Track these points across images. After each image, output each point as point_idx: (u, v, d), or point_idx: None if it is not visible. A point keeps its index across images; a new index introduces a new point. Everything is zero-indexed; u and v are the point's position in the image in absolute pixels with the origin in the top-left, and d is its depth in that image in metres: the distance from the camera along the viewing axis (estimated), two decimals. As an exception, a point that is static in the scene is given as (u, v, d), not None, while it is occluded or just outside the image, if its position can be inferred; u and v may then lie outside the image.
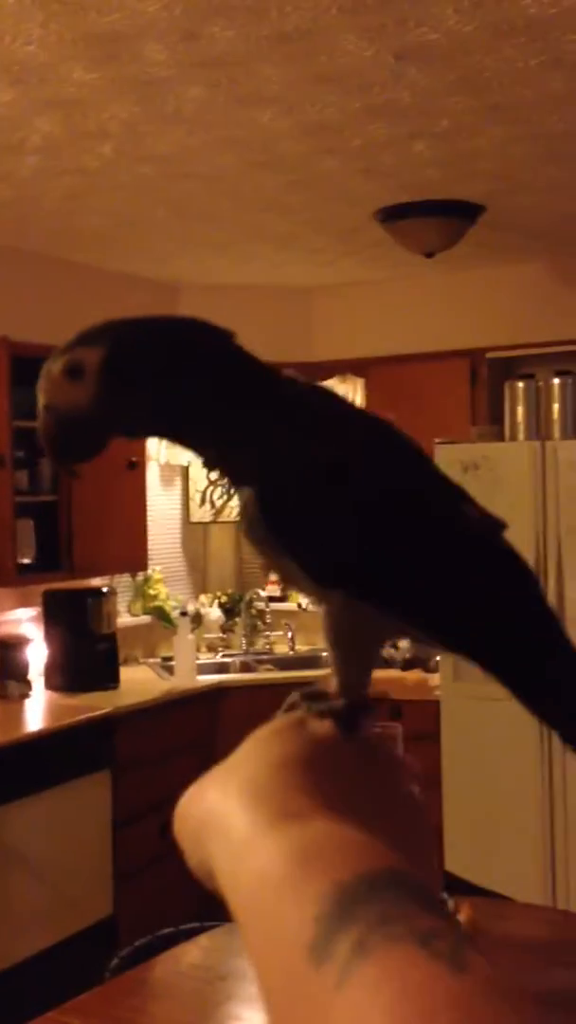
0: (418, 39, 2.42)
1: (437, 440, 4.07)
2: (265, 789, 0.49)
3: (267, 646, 5.18)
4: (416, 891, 0.40)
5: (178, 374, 0.60)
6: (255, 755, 0.53)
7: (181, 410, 0.61)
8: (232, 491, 0.63)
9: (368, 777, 0.54)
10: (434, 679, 4.22)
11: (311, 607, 5.13)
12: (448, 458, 4.00)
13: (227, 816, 0.48)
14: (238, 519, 0.62)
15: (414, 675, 4.46)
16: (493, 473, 3.95)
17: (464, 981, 0.34)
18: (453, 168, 3.36)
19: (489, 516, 0.62)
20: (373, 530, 0.59)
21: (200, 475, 5.31)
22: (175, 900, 4.06)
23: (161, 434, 0.64)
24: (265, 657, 5.05)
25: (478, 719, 3.99)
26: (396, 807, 0.53)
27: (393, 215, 3.77)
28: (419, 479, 0.62)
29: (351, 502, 0.58)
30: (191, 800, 0.53)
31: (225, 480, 0.63)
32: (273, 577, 5.40)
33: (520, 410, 4.19)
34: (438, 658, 4.25)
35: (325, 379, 4.81)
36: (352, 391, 4.96)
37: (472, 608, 0.60)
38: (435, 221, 3.75)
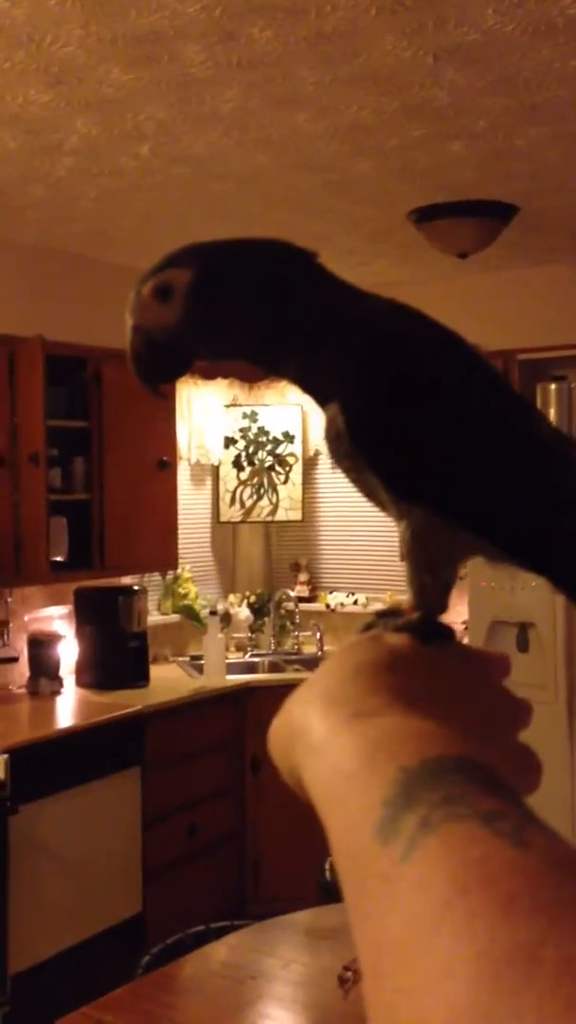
0: (457, 39, 2.41)
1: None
2: (341, 693, 0.50)
3: (295, 646, 5.18)
4: (484, 775, 0.40)
5: (265, 293, 0.61)
6: (333, 666, 0.53)
7: (267, 329, 0.62)
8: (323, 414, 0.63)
9: (447, 677, 0.54)
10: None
11: (344, 607, 5.13)
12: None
13: (307, 723, 0.49)
14: (325, 435, 0.62)
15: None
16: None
17: (527, 855, 0.35)
18: (488, 169, 3.35)
19: (561, 432, 0.62)
20: (454, 443, 0.59)
21: (230, 475, 5.32)
22: (203, 899, 4.08)
23: (245, 354, 0.64)
24: (293, 657, 5.05)
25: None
26: (479, 703, 0.53)
27: (427, 216, 3.76)
28: (498, 394, 0.62)
29: (433, 415, 0.59)
30: (279, 720, 0.54)
31: (311, 397, 0.63)
32: (302, 578, 5.40)
33: (552, 412, 4.17)
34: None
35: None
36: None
37: (550, 524, 0.60)
38: (469, 221, 3.74)
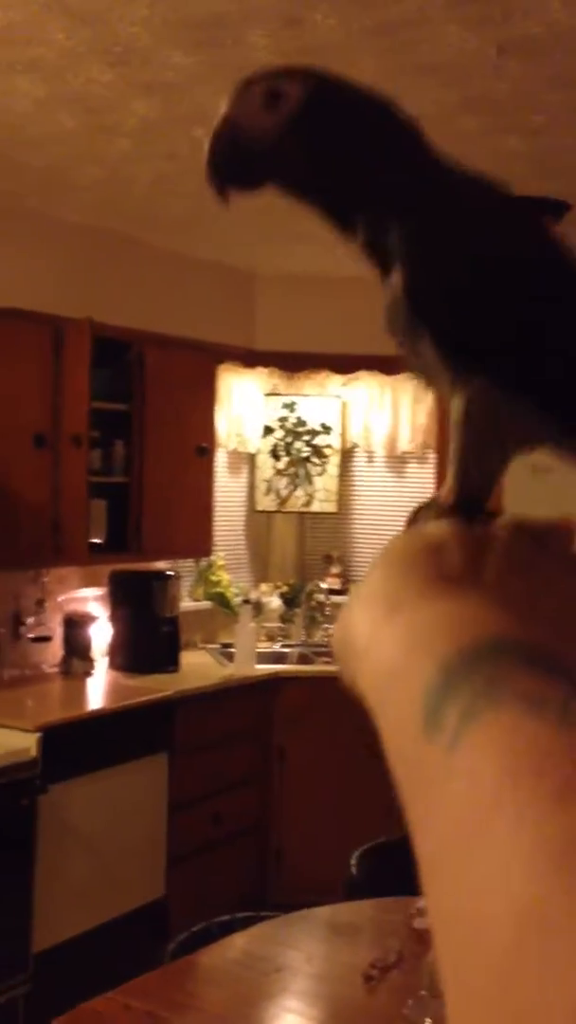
0: (522, 32, 2.38)
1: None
2: (378, 588, 0.48)
3: (325, 639, 5.17)
4: (526, 653, 0.39)
5: (365, 142, 0.59)
6: (376, 567, 0.51)
7: (355, 177, 0.59)
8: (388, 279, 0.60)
9: (494, 554, 0.51)
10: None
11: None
12: (518, 460, 3.94)
13: (354, 627, 0.48)
14: (385, 307, 0.59)
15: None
16: (566, 477, 3.88)
17: (573, 735, 0.34)
18: (543, 164, 3.30)
19: None
20: (518, 310, 0.56)
21: (267, 464, 5.31)
22: (225, 886, 4.08)
23: (322, 195, 0.61)
24: (323, 649, 5.04)
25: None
26: (533, 576, 0.51)
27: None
28: (568, 267, 0.59)
29: (499, 281, 0.56)
30: (335, 637, 0.52)
31: (373, 264, 0.60)
32: (335, 570, 5.39)
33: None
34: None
35: (399, 374, 4.78)
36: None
37: None
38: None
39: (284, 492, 5.34)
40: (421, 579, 0.48)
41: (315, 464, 5.33)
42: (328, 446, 5.30)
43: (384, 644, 0.44)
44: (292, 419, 5.28)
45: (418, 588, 0.47)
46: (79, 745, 3.52)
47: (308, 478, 5.34)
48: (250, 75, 0.60)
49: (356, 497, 5.45)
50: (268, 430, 5.26)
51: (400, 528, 0.58)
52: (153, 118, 2.94)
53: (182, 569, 4.71)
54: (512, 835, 0.32)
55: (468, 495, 0.57)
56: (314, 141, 0.59)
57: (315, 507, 5.36)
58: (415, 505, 0.60)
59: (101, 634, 4.28)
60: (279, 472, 5.33)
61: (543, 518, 0.55)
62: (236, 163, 0.61)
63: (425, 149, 0.60)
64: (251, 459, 5.30)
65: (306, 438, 5.31)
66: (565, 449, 0.59)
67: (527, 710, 0.35)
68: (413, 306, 0.56)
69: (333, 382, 5.23)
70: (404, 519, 0.58)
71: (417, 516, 0.58)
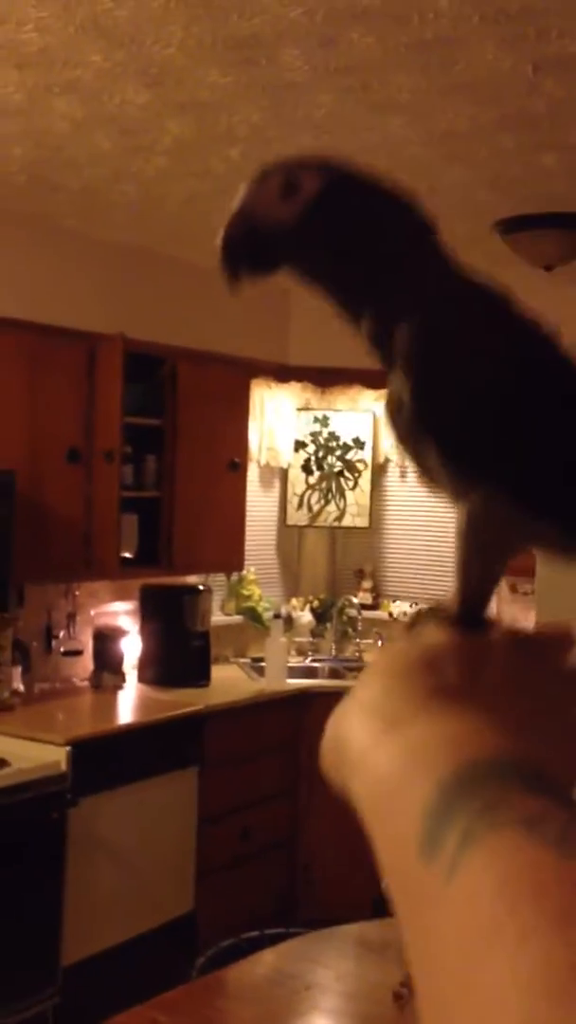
0: (558, 50, 2.38)
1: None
2: (377, 701, 0.49)
3: (356, 654, 5.16)
4: (525, 774, 0.39)
5: (379, 236, 0.60)
6: (371, 674, 0.52)
7: (364, 266, 0.60)
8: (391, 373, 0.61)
9: (492, 667, 0.52)
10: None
11: (407, 617, 5.07)
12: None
13: (349, 734, 0.48)
14: (387, 405, 0.60)
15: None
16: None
17: (573, 860, 0.34)
18: (580, 181, 3.30)
19: None
20: (526, 417, 0.57)
21: (299, 479, 5.31)
22: (254, 901, 4.07)
23: (333, 285, 0.62)
24: (354, 664, 5.03)
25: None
26: (530, 690, 0.51)
27: (513, 226, 3.72)
28: (573, 375, 0.60)
29: (506, 387, 0.57)
30: (327, 734, 0.52)
31: (378, 358, 0.61)
32: (366, 585, 5.38)
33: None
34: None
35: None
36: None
37: None
38: (556, 233, 3.69)
39: (316, 507, 5.34)
40: (419, 692, 0.48)
41: (347, 479, 5.34)
42: (360, 461, 5.30)
43: (381, 759, 0.44)
44: (324, 434, 5.29)
45: (416, 702, 0.47)
46: (109, 759, 3.54)
47: (340, 493, 5.34)
48: (267, 165, 0.61)
49: (388, 512, 5.44)
50: (300, 444, 5.27)
51: (412, 619, 0.59)
52: (188, 137, 2.97)
53: (213, 583, 4.72)
54: (511, 963, 0.32)
55: (471, 603, 0.57)
56: (328, 232, 0.60)
57: (347, 522, 5.35)
58: (416, 610, 0.61)
59: (132, 648, 4.30)
60: (311, 487, 5.34)
61: (542, 626, 0.57)
62: (250, 249, 0.62)
63: (438, 249, 0.61)
64: (283, 473, 5.31)
65: (338, 453, 5.32)
66: (566, 552, 0.60)
67: (526, 834, 0.35)
68: (419, 414, 0.57)
69: (365, 397, 5.23)
70: (405, 624, 0.58)
71: (418, 621, 0.58)
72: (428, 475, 0.60)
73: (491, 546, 0.58)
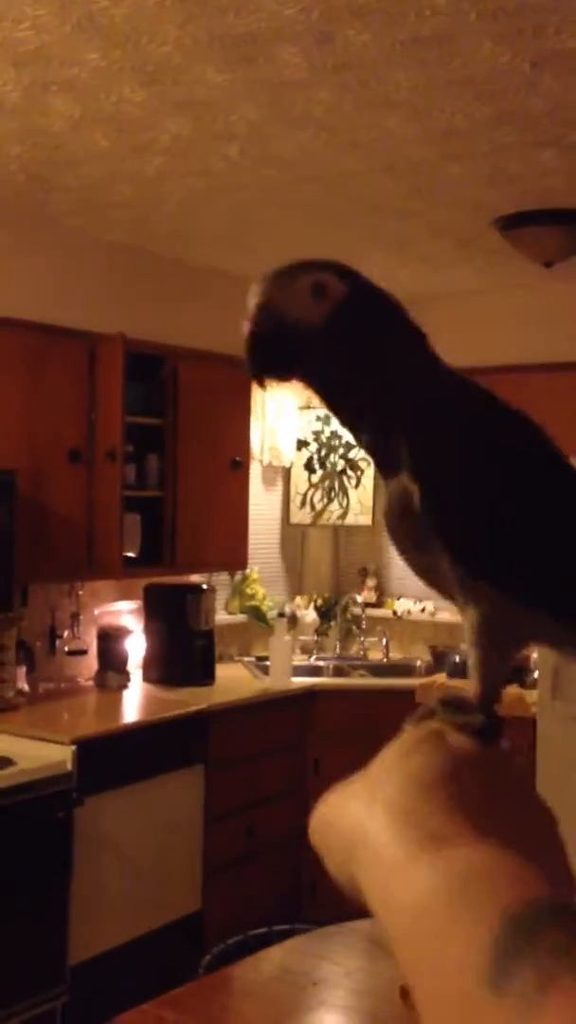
0: (556, 46, 2.38)
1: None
2: (412, 810, 0.49)
3: (361, 652, 5.16)
4: (572, 911, 0.41)
5: (390, 336, 0.62)
6: (398, 770, 0.52)
7: (377, 368, 0.62)
8: (384, 477, 0.63)
9: (506, 792, 0.53)
10: (532, 695, 4.15)
11: (411, 614, 5.10)
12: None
13: (375, 836, 0.49)
14: (386, 511, 0.62)
15: (512, 690, 4.39)
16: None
17: None
18: (579, 177, 3.30)
19: None
20: (539, 520, 0.58)
21: (301, 477, 5.31)
22: (261, 900, 4.08)
23: (336, 388, 0.64)
24: (358, 663, 5.03)
25: (575, 739, 3.91)
26: (533, 822, 0.53)
27: (513, 223, 3.72)
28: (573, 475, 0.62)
29: (517, 492, 0.59)
30: (332, 810, 0.53)
31: (376, 463, 0.63)
32: (370, 583, 5.38)
33: None
34: (536, 675, 4.18)
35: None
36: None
37: None
38: (556, 229, 3.69)
39: (319, 505, 5.34)
40: (455, 811, 0.49)
41: (350, 477, 5.34)
42: (363, 459, 5.30)
43: (428, 878, 0.45)
44: (327, 432, 5.29)
45: (456, 823, 0.48)
46: (114, 758, 3.54)
47: (343, 491, 5.35)
48: (288, 267, 0.62)
49: (390, 510, 5.43)
50: (303, 443, 5.27)
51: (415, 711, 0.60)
52: (185, 136, 2.97)
53: (217, 582, 4.72)
54: None
55: (490, 706, 0.59)
56: (352, 333, 0.62)
57: (350, 520, 5.35)
58: (422, 704, 0.61)
59: (136, 647, 4.30)
60: (314, 485, 5.34)
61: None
62: (276, 351, 0.62)
63: (433, 353, 0.64)
64: (285, 472, 5.31)
65: (341, 451, 5.32)
66: (572, 652, 0.62)
67: None
68: (433, 524, 0.58)
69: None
70: (418, 714, 0.59)
71: (436, 711, 0.58)
72: (433, 579, 0.61)
73: (507, 646, 0.60)
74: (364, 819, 0.50)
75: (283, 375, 0.64)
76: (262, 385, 0.65)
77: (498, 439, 0.61)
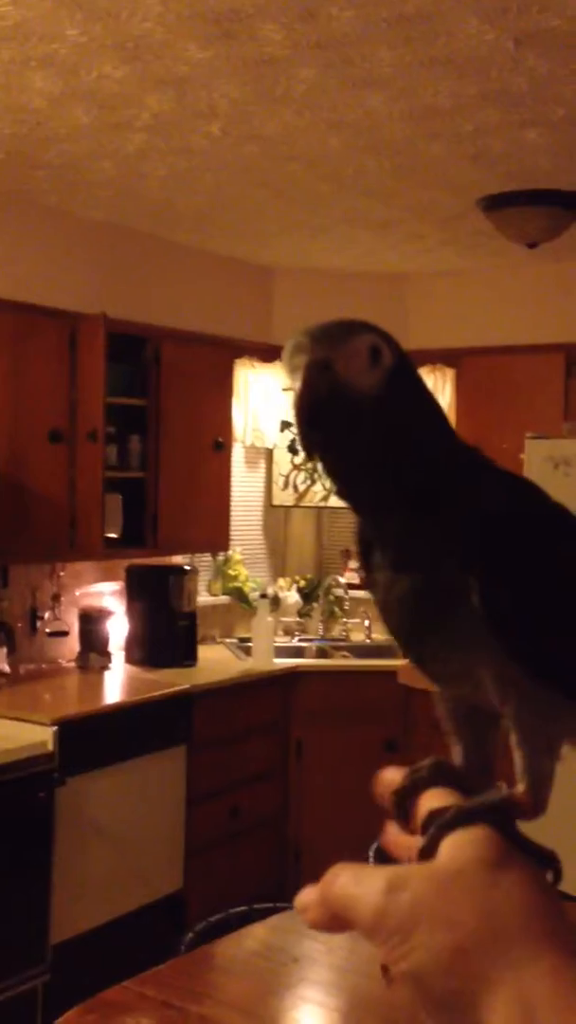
0: (540, 24, 2.37)
1: (528, 434, 4.01)
2: (441, 911, 0.47)
3: (343, 633, 5.17)
4: None
5: (429, 419, 0.59)
6: (474, 897, 0.48)
7: (417, 453, 0.58)
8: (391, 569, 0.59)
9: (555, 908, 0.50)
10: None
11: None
12: (539, 453, 3.94)
13: (485, 981, 0.46)
14: (399, 608, 0.57)
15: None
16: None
17: None
18: (563, 158, 3.29)
19: None
20: None
21: (284, 459, 5.31)
22: (243, 879, 4.09)
23: (368, 466, 0.58)
24: (341, 644, 5.05)
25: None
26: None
27: (497, 203, 3.71)
28: None
29: (571, 589, 0.56)
30: (345, 887, 0.50)
31: (397, 555, 0.58)
32: (352, 564, 5.38)
33: (616, 407, 4.11)
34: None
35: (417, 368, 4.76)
36: (442, 382, 4.91)
37: None
38: (539, 211, 3.68)
39: (302, 487, 5.34)
40: (515, 933, 0.46)
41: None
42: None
43: (499, 1003, 0.44)
44: (309, 414, 5.27)
45: (517, 944, 0.46)
46: (96, 738, 3.54)
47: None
48: (339, 323, 0.57)
49: (373, 491, 5.43)
50: (285, 425, 5.26)
51: None
52: (167, 113, 2.94)
53: (199, 564, 4.72)
54: None
55: (542, 802, 0.56)
56: (403, 406, 0.58)
57: (333, 502, 5.35)
58: (410, 775, 0.57)
59: (118, 629, 4.29)
60: (297, 467, 5.33)
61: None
62: (332, 417, 0.56)
63: (468, 451, 0.60)
64: (268, 454, 5.30)
65: (323, 433, 5.31)
66: None
67: None
68: (494, 621, 0.55)
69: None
70: (463, 812, 0.53)
71: (483, 807, 0.53)
72: (456, 680, 0.58)
73: (555, 741, 0.57)
74: (476, 965, 0.46)
75: (337, 444, 0.57)
76: (311, 457, 0.58)
77: (562, 530, 0.58)
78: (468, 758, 0.60)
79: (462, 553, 0.55)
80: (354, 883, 0.51)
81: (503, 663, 0.56)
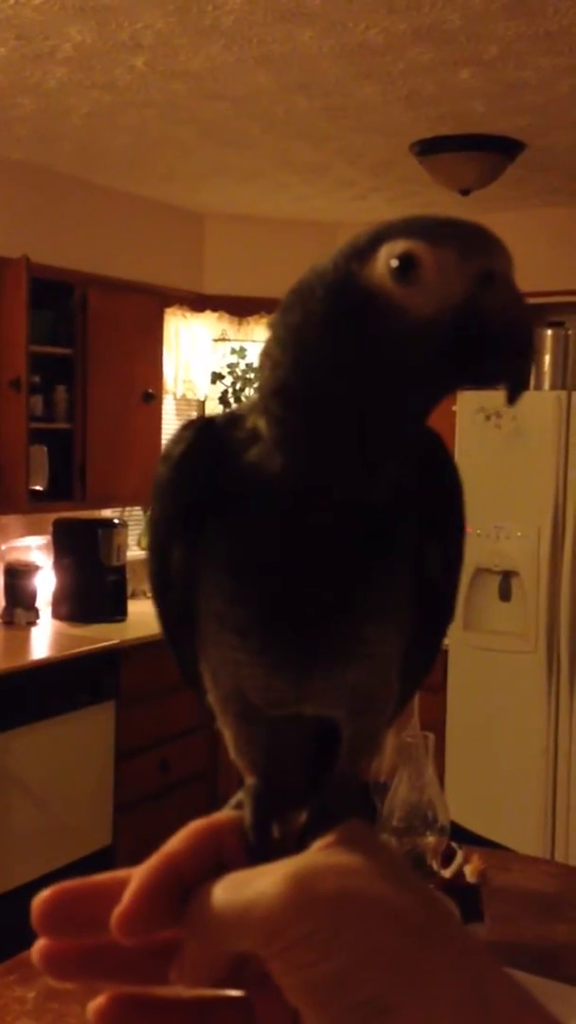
0: (473, -45, 2.30)
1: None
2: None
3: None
4: None
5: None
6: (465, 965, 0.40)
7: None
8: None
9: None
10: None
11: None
12: (470, 406, 3.91)
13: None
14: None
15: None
16: (515, 423, 3.86)
17: None
18: (497, 100, 3.23)
19: None
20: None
21: (217, 411, 5.22)
22: (173, 834, 4.07)
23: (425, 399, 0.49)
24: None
25: (485, 669, 3.96)
26: None
27: (430, 148, 3.64)
28: None
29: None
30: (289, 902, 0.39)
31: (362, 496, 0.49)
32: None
33: (547, 359, 4.09)
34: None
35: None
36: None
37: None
38: (473, 156, 3.62)
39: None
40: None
41: (265, 411, 5.26)
42: (277, 392, 5.23)
43: None
44: (242, 365, 5.19)
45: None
46: (23, 695, 3.47)
47: (258, 425, 5.27)
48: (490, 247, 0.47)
49: (306, 444, 5.39)
50: (217, 376, 5.17)
51: None
52: (89, 45, 2.81)
53: (129, 518, 4.63)
54: None
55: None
56: None
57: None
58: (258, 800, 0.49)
59: (45, 583, 4.21)
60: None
61: None
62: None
63: None
64: (200, 406, 5.22)
65: (256, 385, 5.23)
66: None
67: None
68: (442, 583, 0.55)
69: (282, 327, 5.14)
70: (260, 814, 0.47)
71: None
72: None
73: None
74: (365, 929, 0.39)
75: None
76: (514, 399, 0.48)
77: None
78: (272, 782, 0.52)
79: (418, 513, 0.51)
80: (237, 889, 0.41)
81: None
